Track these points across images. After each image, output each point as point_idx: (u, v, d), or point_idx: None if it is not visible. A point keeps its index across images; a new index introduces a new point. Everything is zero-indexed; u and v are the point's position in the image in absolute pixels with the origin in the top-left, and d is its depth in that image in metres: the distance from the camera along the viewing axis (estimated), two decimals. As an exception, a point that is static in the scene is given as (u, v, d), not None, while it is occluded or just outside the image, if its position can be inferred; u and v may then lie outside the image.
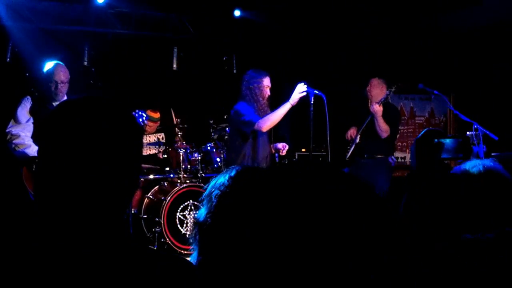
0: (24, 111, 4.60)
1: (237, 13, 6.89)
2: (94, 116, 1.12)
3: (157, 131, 6.47)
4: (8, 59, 6.24)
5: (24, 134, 4.52)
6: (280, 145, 5.01)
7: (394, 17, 6.74)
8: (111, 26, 6.70)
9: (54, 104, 4.60)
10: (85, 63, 6.52)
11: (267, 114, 4.50)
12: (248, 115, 4.46)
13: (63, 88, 4.64)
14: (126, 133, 1.14)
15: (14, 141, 4.52)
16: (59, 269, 1.02)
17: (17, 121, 4.58)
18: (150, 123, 6.40)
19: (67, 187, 1.08)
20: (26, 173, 4.47)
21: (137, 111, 5.06)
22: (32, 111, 4.59)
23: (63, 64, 4.75)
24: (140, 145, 1.21)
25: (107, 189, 1.10)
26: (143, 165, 5.90)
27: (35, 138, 4.49)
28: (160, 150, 6.33)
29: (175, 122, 6.42)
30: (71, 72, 4.81)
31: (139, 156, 1.18)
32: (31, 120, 4.60)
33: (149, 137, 6.39)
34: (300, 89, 4.31)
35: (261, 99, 4.54)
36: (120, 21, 6.74)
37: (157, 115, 6.42)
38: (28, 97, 4.66)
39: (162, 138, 6.47)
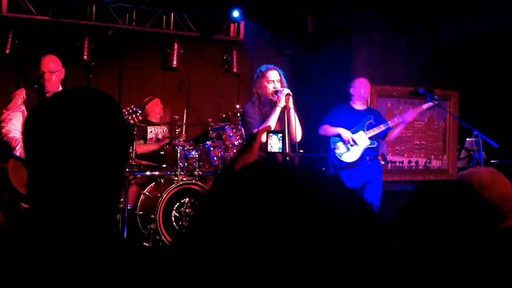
0: (17, 103, 4.47)
1: (235, 13, 6.85)
2: (79, 108, 1.10)
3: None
4: (7, 51, 6.19)
5: (13, 120, 4.41)
6: None
7: (394, 22, 6.74)
8: (112, 21, 6.67)
9: (48, 96, 4.48)
10: (85, 57, 6.48)
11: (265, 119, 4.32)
12: (250, 121, 4.37)
13: (51, 77, 4.47)
14: (111, 126, 1.12)
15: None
16: (50, 266, 1.01)
17: (8, 108, 4.49)
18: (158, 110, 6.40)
19: (53, 180, 1.07)
20: (12, 166, 4.29)
21: (132, 107, 4.99)
22: (25, 104, 4.44)
23: (54, 55, 4.62)
24: (126, 139, 1.19)
25: (91, 182, 1.09)
26: (142, 162, 5.86)
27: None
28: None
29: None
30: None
31: (124, 150, 1.17)
32: (23, 110, 4.46)
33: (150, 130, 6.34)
34: (284, 92, 4.27)
35: (263, 99, 4.39)
36: (121, 16, 6.72)
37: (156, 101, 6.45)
38: (22, 89, 4.56)
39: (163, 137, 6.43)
